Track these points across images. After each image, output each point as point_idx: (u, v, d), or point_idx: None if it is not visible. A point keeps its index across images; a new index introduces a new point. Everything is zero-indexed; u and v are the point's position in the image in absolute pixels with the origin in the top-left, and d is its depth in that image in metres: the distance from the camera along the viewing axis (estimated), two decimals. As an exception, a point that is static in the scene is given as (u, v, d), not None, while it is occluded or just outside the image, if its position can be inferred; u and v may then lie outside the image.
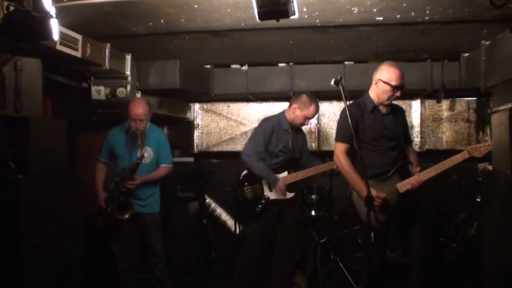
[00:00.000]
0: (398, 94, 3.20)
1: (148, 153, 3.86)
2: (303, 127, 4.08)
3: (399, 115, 3.41)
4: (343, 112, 3.24)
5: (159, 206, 4.01)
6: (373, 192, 3.00)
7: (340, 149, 3.25)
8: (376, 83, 3.24)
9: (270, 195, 3.80)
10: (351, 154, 3.23)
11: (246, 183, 3.83)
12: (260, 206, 3.77)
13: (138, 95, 4.45)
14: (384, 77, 3.18)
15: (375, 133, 3.23)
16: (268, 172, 3.75)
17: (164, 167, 3.98)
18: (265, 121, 3.95)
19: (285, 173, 3.83)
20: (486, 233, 3.79)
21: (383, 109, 3.28)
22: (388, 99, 3.22)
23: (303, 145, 4.04)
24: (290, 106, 3.89)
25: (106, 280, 4.12)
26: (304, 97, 3.82)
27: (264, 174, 3.76)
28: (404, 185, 3.17)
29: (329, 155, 4.29)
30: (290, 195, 3.82)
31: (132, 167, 3.75)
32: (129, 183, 3.74)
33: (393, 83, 3.15)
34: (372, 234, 2.88)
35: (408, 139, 3.50)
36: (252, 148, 3.81)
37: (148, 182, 3.88)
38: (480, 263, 3.74)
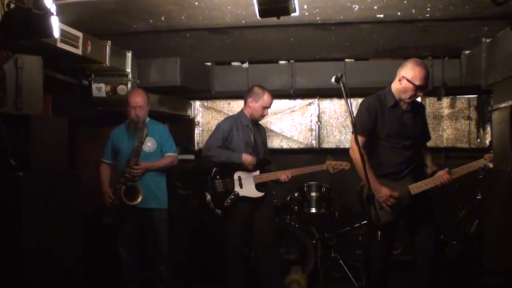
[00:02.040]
0: (420, 94, 3.14)
1: (151, 143, 3.92)
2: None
3: (419, 112, 3.33)
4: (362, 104, 3.21)
5: (167, 202, 4.02)
6: (387, 191, 3.01)
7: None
8: (399, 80, 3.15)
9: (240, 191, 3.85)
10: (367, 149, 3.13)
11: (218, 177, 3.88)
12: (229, 200, 3.82)
13: (139, 92, 4.45)
14: (409, 76, 3.09)
15: (393, 130, 3.16)
16: (228, 153, 3.82)
17: (170, 155, 4.02)
18: (224, 119, 4.06)
19: (257, 172, 3.90)
20: (487, 231, 3.78)
21: (403, 106, 3.21)
22: (409, 98, 3.15)
23: (264, 141, 4.13)
24: (245, 102, 4.00)
25: (106, 279, 4.12)
26: (256, 89, 3.96)
27: (226, 156, 3.81)
28: (417, 187, 3.11)
29: (330, 152, 4.31)
30: (260, 194, 3.87)
31: (135, 151, 3.78)
32: (134, 168, 3.76)
33: (417, 82, 3.08)
34: (379, 232, 2.87)
35: (426, 136, 3.43)
36: (211, 140, 3.90)
37: (153, 169, 3.90)
38: (481, 261, 3.74)
